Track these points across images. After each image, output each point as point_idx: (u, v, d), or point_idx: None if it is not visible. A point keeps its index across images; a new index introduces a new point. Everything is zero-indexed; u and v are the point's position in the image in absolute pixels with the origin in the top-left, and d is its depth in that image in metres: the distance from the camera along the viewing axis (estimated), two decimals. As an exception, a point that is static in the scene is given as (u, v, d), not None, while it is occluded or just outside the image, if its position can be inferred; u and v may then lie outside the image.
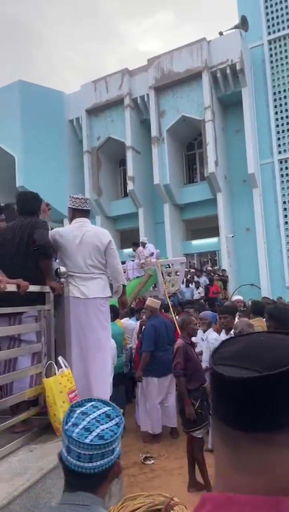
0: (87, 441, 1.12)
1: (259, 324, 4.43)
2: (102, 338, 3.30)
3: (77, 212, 3.58)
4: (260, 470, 0.50)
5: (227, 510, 0.49)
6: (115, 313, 5.48)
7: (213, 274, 14.25)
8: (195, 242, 19.23)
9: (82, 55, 58.00)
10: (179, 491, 3.76)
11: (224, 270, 15.58)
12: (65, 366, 2.95)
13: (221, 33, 17.12)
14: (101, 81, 19.36)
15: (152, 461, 4.58)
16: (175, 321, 6.97)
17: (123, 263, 11.70)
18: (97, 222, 19.32)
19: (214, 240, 17.75)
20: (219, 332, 5.06)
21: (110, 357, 3.50)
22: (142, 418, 5.54)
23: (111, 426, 1.17)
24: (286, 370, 0.49)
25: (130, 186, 18.33)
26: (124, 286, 3.53)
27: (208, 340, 5.10)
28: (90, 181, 19.46)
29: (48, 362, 2.98)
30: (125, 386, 5.96)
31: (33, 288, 3.02)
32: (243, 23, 16.65)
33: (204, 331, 5.21)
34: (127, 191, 18.80)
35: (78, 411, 1.20)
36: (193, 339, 4.84)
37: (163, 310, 7.19)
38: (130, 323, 7.05)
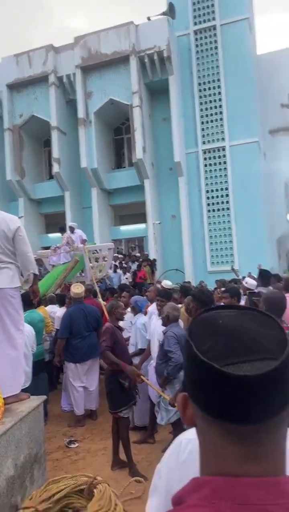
0: None
1: None
2: (12, 330, 3.18)
3: None
4: (267, 456, 0.53)
5: (229, 492, 0.50)
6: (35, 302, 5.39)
7: (141, 260, 14.52)
8: (123, 228, 19.34)
9: (5, 27, 54.05)
10: (102, 470, 3.85)
11: (152, 259, 15.81)
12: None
13: (149, 18, 17.09)
14: (24, 56, 18.28)
15: (76, 444, 4.61)
16: (103, 307, 7.01)
17: (48, 248, 11.41)
18: (20, 204, 18.46)
19: (141, 226, 18.01)
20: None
21: (22, 349, 3.38)
22: (67, 401, 5.60)
23: None
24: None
25: (55, 168, 17.75)
26: (35, 274, 3.40)
27: (136, 325, 5.21)
28: (12, 160, 18.44)
29: None
30: (49, 373, 5.87)
31: None
32: (171, 11, 16.78)
33: (134, 315, 5.31)
34: (53, 174, 18.19)
35: None
36: (122, 323, 4.92)
37: (92, 296, 7.22)
38: (54, 310, 6.92)
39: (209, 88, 17.12)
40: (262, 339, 0.53)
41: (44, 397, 3.38)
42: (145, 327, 5.11)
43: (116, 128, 19.57)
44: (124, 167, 19.22)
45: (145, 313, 5.55)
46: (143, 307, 5.42)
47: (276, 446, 0.54)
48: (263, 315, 0.58)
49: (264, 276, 6.10)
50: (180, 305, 5.57)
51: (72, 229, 10.94)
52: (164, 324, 4.24)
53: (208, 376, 0.52)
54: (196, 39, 17.37)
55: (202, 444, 0.59)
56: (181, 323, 4.55)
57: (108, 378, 4.19)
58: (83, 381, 5.52)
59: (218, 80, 16.96)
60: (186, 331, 0.60)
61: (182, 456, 0.84)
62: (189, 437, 0.86)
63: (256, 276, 7.63)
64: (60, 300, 7.07)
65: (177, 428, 4.07)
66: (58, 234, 12.05)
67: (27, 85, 18.39)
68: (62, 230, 11.37)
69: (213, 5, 17.11)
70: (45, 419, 3.93)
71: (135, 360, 4.81)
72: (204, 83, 17.22)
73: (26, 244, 3.26)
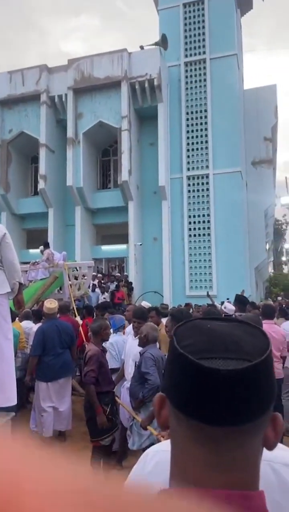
0: None
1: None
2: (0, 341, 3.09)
3: None
4: (236, 466, 0.51)
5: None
6: (19, 312, 5.27)
7: (121, 281, 14.49)
8: (104, 247, 19.34)
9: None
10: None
11: (128, 281, 15.81)
12: None
13: (142, 47, 17.68)
14: (17, 73, 18.54)
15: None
16: (79, 324, 6.95)
17: (27, 263, 11.28)
18: (2, 218, 18.29)
19: (122, 246, 18.05)
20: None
21: (11, 361, 3.26)
22: (36, 421, 5.42)
23: None
24: (269, 353, 0.53)
25: (41, 184, 17.77)
26: (20, 283, 3.34)
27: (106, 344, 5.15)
28: (-2, 175, 18.41)
29: None
30: (18, 391, 5.69)
31: None
32: (163, 42, 17.43)
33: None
34: (38, 190, 18.19)
35: None
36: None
37: (69, 313, 7.14)
38: (30, 326, 6.80)
39: (196, 118, 17.67)
40: (243, 343, 0.54)
41: (13, 413, 3.28)
42: (113, 346, 5.07)
43: (104, 150, 19.84)
44: (110, 188, 19.41)
45: (124, 332, 5.51)
46: (116, 326, 5.38)
47: (247, 457, 0.52)
48: (252, 327, 0.59)
49: (241, 302, 6.19)
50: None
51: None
52: (142, 344, 4.14)
53: (182, 368, 0.52)
54: (186, 71, 18.03)
55: (172, 448, 0.57)
56: (157, 344, 4.53)
57: (88, 403, 4.00)
58: (53, 401, 5.35)
59: (205, 110, 17.55)
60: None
61: (147, 468, 0.80)
62: (156, 449, 0.84)
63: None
64: (36, 316, 6.96)
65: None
66: (38, 250, 11.94)
67: (19, 102, 18.57)
68: (46, 245, 11.29)
69: (204, 40, 17.90)
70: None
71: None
72: (192, 112, 17.78)
73: (12, 251, 3.20)
